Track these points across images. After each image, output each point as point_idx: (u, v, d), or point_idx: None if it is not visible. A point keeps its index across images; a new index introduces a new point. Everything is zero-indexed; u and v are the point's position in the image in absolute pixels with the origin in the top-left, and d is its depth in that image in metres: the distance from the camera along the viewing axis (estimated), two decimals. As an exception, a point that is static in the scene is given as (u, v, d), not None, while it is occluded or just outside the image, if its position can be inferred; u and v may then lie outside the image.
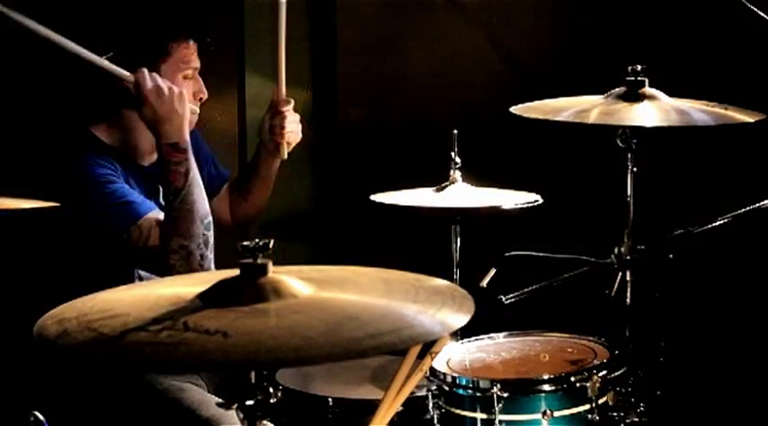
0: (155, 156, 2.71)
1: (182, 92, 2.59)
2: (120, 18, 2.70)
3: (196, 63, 2.71)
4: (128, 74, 2.56)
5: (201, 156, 2.85)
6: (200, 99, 2.74)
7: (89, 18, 2.77)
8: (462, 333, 2.70)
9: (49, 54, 2.57)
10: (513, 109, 2.66)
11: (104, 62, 2.54)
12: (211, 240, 2.59)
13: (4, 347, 2.77)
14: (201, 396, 2.63)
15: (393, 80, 3.66)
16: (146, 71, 2.56)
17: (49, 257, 2.65)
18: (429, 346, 2.32)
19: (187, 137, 2.59)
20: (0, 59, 3.02)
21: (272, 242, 1.53)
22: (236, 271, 1.54)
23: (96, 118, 2.68)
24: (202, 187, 2.61)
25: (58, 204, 2.24)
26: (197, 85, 2.72)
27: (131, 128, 2.67)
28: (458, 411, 2.49)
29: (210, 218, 2.60)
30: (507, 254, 2.85)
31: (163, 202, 2.68)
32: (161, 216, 2.59)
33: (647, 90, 2.61)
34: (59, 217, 2.35)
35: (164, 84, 2.57)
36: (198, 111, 2.74)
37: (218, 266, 2.80)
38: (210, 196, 2.74)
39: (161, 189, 2.70)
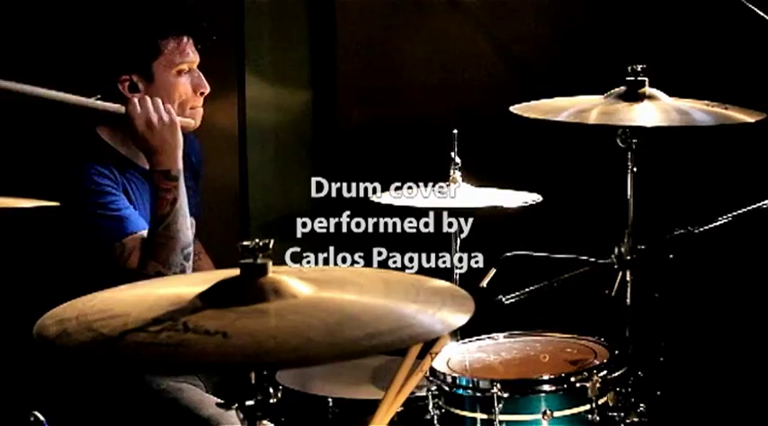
0: None
1: (174, 121, 2.58)
2: (105, 22, 2.67)
3: (191, 57, 2.68)
4: (118, 106, 2.56)
5: (198, 167, 2.88)
6: (202, 93, 2.71)
7: (77, 24, 2.76)
8: (462, 333, 2.70)
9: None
10: (513, 108, 2.66)
11: (93, 102, 2.54)
12: (188, 270, 2.58)
13: (4, 347, 2.77)
14: (200, 396, 2.63)
15: (393, 80, 3.65)
16: (136, 101, 2.56)
17: (48, 257, 2.64)
18: (429, 346, 2.32)
19: (179, 165, 2.59)
20: (8, 58, 3.03)
21: (272, 242, 1.53)
22: (236, 271, 1.54)
23: (101, 119, 2.67)
24: (188, 217, 2.60)
25: (58, 203, 2.24)
26: (196, 79, 2.69)
27: None
28: (458, 411, 2.49)
29: (191, 249, 2.60)
30: (507, 254, 2.85)
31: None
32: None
33: (647, 90, 2.61)
34: (59, 217, 2.35)
35: (155, 114, 2.56)
36: (198, 118, 2.72)
37: (219, 266, 2.80)
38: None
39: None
